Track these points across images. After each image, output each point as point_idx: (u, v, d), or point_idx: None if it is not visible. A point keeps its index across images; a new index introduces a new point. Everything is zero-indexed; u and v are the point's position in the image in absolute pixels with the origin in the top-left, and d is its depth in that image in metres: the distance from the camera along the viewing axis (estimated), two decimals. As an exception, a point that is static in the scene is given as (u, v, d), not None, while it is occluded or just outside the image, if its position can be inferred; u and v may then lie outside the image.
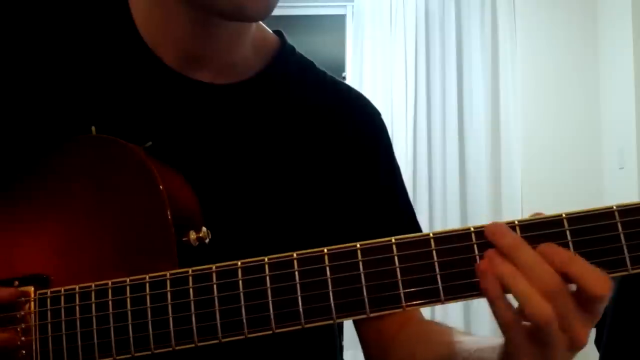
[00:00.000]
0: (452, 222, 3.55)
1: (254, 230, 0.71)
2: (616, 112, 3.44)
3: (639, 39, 3.21)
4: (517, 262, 0.49)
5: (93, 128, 0.67)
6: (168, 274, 0.56)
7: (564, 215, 0.51)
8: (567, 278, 0.49)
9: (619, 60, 3.38)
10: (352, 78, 3.72)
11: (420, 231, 0.72)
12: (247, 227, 0.71)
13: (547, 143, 3.62)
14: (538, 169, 3.62)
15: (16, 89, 0.70)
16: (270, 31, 0.81)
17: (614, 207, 0.49)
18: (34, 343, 0.58)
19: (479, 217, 3.57)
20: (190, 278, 0.55)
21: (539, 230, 0.51)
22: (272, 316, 0.54)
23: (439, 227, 3.56)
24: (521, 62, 3.67)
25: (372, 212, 0.77)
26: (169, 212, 0.60)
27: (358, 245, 0.53)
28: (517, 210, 3.58)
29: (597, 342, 2.65)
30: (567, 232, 0.50)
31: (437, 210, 3.60)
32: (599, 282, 0.48)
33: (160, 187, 0.60)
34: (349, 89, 0.84)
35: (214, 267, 0.55)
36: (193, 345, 0.55)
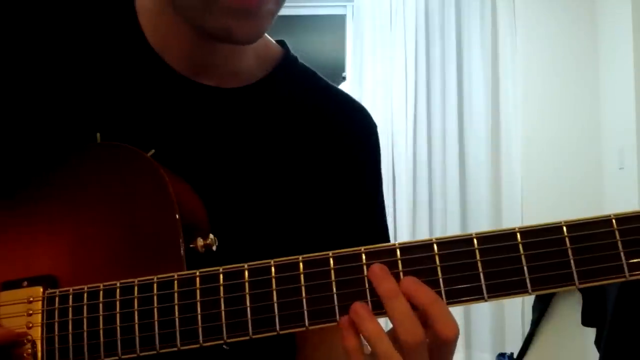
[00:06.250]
0: (452, 223, 3.56)
1: (260, 236, 0.72)
2: (616, 112, 3.44)
3: (639, 39, 3.22)
4: (390, 312, 0.53)
5: (98, 135, 0.67)
6: (176, 275, 0.57)
7: (563, 222, 0.52)
8: (424, 317, 0.52)
9: (619, 60, 3.39)
10: (352, 78, 3.73)
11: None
12: (253, 233, 0.72)
13: (547, 143, 3.63)
14: (538, 169, 3.62)
15: (23, 93, 0.70)
16: (274, 41, 0.82)
17: (612, 215, 0.51)
18: (40, 342, 0.59)
19: (479, 218, 3.58)
20: (198, 279, 0.56)
21: (539, 237, 0.52)
22: (276, 318, 0.55)
23: (439, 228, 3.57)
24: (521, 62, 3.68)
25: (350, 220, 0.79)
26: (179, 219, 0.61)
27: (362, 249, 0.55)
28: (517, 210, 3.58)
29: (597, 342, 2.66)
30: (567, 239, 0.52)
31: (437, 210, 3.60)
32: (450, 326, 0.52)
33: (171, 194, 0.61)
34: (352, 100, 0.86)
35: (220, 269, 0.56)
36: (198, 345, 0.55)
